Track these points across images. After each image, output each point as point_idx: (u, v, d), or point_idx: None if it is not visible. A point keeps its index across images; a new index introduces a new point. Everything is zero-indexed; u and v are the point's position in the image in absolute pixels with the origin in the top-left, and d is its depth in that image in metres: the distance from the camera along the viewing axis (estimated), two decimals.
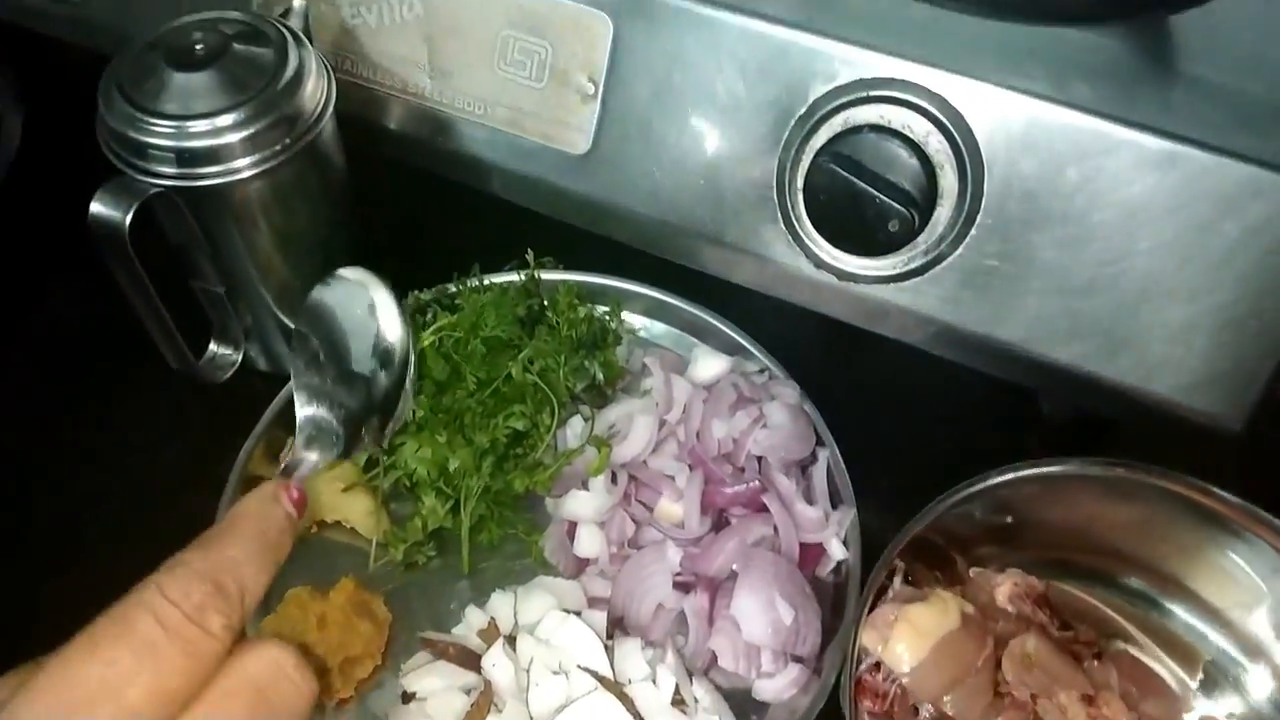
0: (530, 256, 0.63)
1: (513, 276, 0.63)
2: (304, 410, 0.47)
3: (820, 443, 0.57)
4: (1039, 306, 0.50)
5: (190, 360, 0.57)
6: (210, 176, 0.50)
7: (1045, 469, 0.50)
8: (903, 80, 0.49)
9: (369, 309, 0.49)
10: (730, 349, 0.62)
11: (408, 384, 0.50)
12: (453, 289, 0.62)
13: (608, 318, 0.63)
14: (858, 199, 0.49)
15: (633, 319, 0.65)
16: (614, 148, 0.56)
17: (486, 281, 0.62)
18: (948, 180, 0.49)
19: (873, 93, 0.49)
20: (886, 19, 0.51)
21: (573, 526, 0.54)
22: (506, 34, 0.56)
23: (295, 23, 0.56)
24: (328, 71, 0.54)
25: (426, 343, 0.57)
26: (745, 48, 0.51)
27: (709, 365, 0.59)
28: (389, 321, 0.50)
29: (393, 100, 0.60)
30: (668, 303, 0.64)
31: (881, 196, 0.48)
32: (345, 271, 0.51)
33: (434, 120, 0.60)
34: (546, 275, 0.63)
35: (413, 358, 0.50)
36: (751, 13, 0.51)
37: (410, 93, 0.59)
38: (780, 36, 0.51)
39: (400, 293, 0.61)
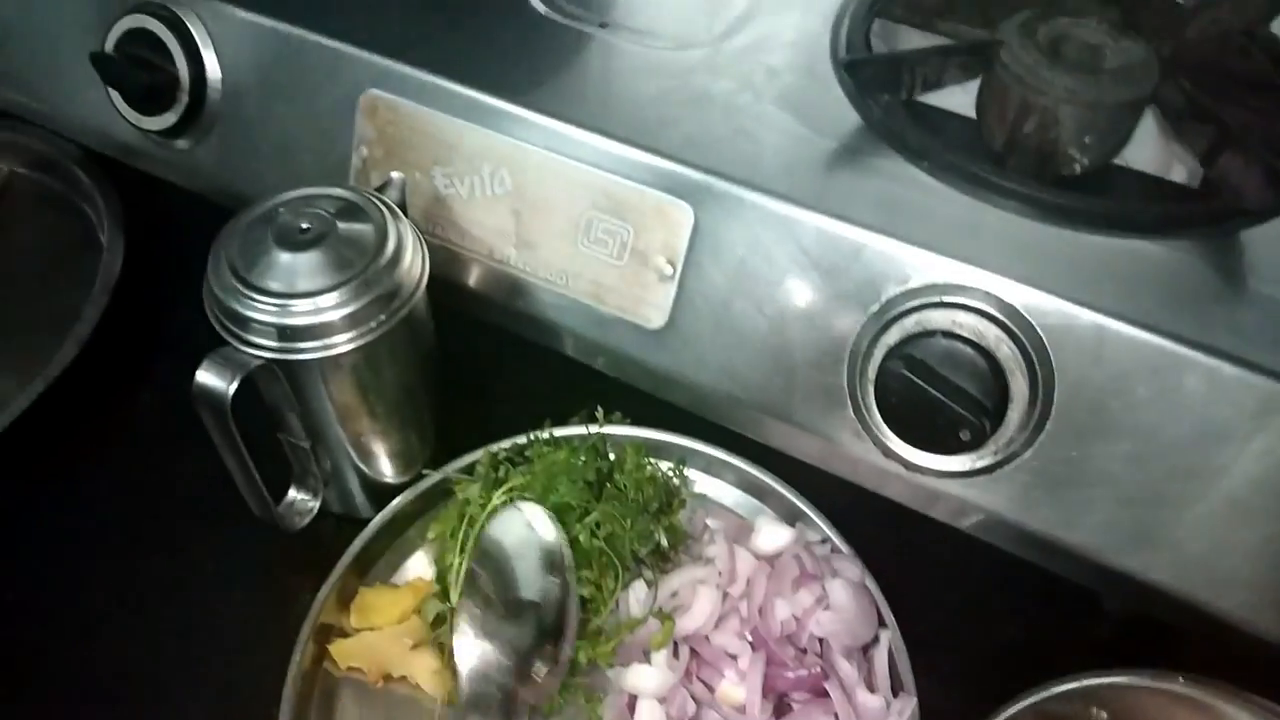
0: (599, 413, 0.65)
1: (580, 430, 0.65)
2: (469, 661, 0.51)
3: (882, 623, 0.57)
4: (1106, 514, 0.51)
5: (272, 509, 0.59)
6: (309, 351, 0.52)
7: (1113, 679, 0.50)
8: (975, 288, 0.51)
9: (526, 525, 0.56)
10: (791, 513, 0.63)
11: (572, 591, 0.54)
12: (523, 441, 0.64)
13: (671, 474, 0.64)
14: (930, 405, 0.50)
15: (691, 473, 0.67)
16: (689, 325, 0.58)
17: (557, 434, 0.64)
18: (1018, 386, 0.50)
19: (945, 298, 0.51)
20: (960, 225, 0.53)
21: (633, 699, 0.55)
22: (591, 214, 0.58)
23: (393, 195, 0.60)
24: (423, 246, 0.57)
25: (498, 501, 0.59)
26: (820, 244, 0.54)
27: (772, 536, 0.60)
28: (545, 530, 0.56)
29: (477, 264, 0.63)
30: (730, 463, 0.65)
31: (953, 405, 0.49)
32: (504, 511, 0.58)
33: (515, 286, 0.62)
34: (612, 430, 0.65)
35: (571, 563, 0.55)
36: (828, 212, 0.53)
37: (495, 259, 0.62)
38: (855, 237, 0.53)
39: (474, 444, 0.64)
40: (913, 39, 0.71)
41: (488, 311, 0.65)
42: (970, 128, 0.65)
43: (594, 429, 0.65)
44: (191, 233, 0.79)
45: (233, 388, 0.51)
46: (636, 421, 0.66)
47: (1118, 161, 0.60)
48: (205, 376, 0.51)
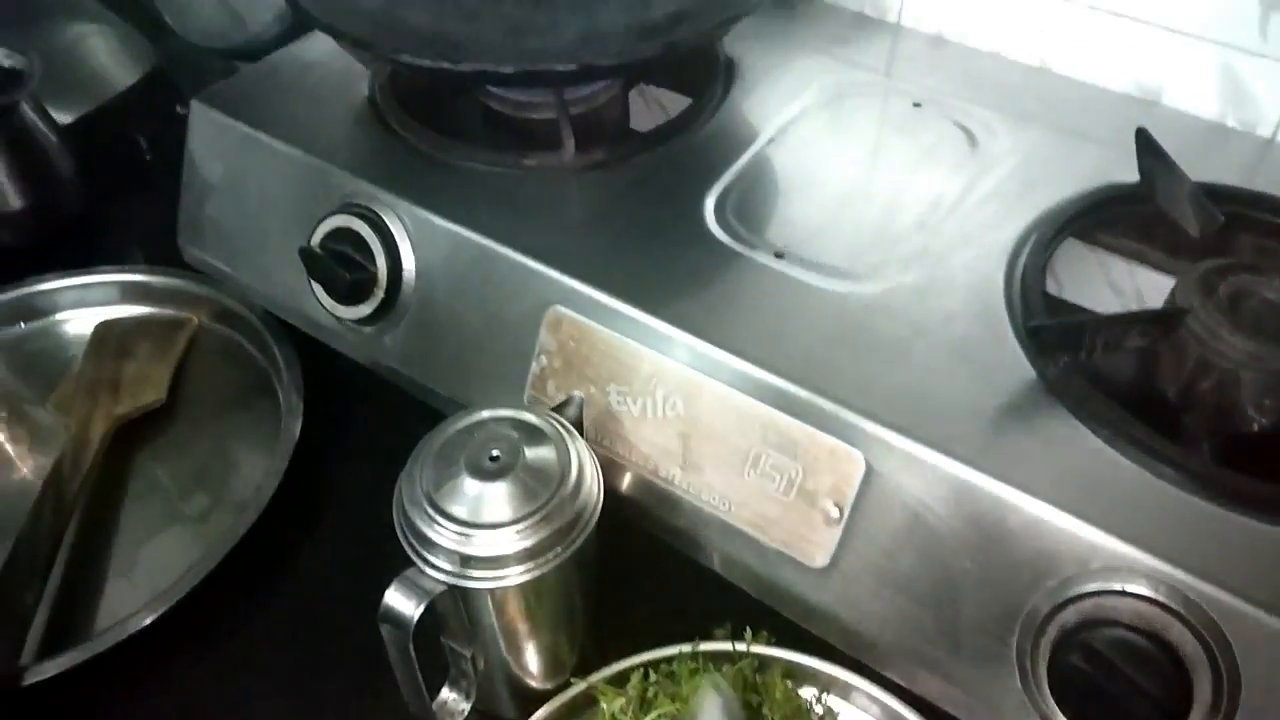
0: (748, 635, 0.65)
1: (725, 646, 0.65)
2: None
3: None
4: None
5: (430, 711, 0.61)
6: (484, 580, 0.54)
7: None
8: (1160, 580, 0.50)
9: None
10: None
11: None
12: (671, 652, 0.65)
13: (816, 705, 0.64)
14: (1109, 701, 0.49)
15: (830, 698, 0.66)
16: (851, 569, 0.58)
17: (704, 649, 0.65)
18: (1202, 689, 0.49)
19: (1128, 588, 0.50)
20: (1143, 505, 0.52)
21: None
22: (760, 449, 0.60)
23: (570, 412, 0.62)
24: (599, 473, 0.59)
25: None
26: (997, 510, 0.54)
27: None
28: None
29: (641, 478, 0.65)
30: (876, 697, 0.64)
31: (1135, 707, 0.48)
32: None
33: (677, 504, 0.64)
34: (760, 650, 0.65)
35: None
36: (1008, 480, 0.53)
37: (660, 477, 0.64)
38: (1033, 510, 0.53)
39: (614, 646, 0.65)
40: (1075, 249, 0.71)
41: (641, 520, 0.67)
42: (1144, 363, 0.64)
43: (741, 646, 0.65)
44: (365, 400, 0.83)
45: (419, 612, 0.53)
46: (777, 638, 0.65)
47: None
48: (394, 599, 0.54)
